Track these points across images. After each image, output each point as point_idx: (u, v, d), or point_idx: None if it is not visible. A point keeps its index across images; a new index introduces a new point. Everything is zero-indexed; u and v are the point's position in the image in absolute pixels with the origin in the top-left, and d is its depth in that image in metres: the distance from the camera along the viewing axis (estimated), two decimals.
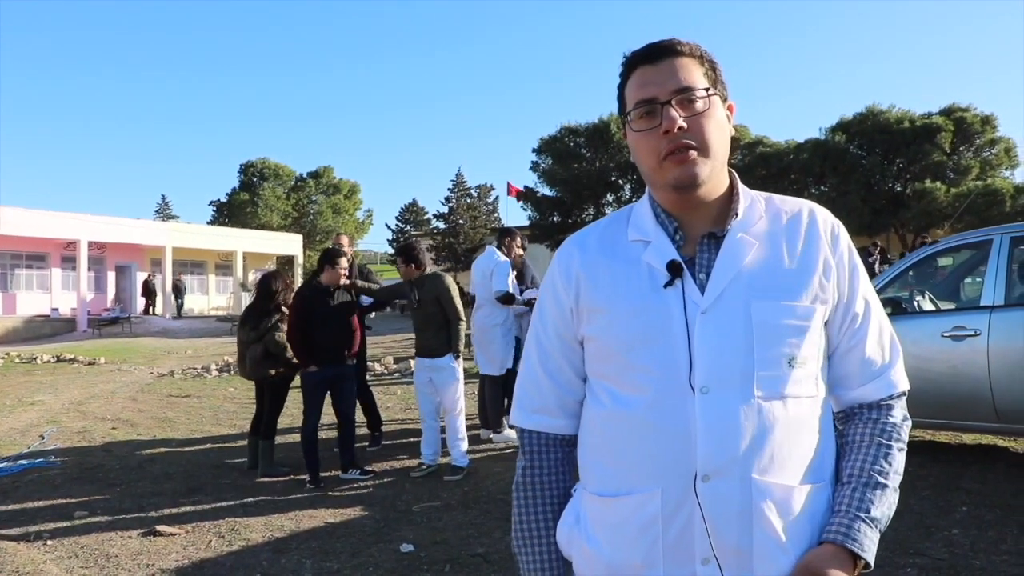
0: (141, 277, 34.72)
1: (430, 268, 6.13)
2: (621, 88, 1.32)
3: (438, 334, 5.86)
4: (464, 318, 5.98)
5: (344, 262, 6.04)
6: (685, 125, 1.22)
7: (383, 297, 6.97)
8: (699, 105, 1.23)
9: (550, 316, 1.38)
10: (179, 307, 32.41)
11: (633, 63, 1.29)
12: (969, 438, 6.14)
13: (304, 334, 5.84)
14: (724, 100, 1.30)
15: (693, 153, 1.22)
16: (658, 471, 1.21)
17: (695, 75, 1.25)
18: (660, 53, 1.26)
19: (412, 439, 7.04)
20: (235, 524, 4.92)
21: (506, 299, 6.81)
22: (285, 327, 6.33)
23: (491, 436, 6.96)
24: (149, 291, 31.89)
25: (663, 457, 1.21)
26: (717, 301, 1.22)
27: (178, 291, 32.64)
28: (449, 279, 6.01)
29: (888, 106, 29.75)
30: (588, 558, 1.31)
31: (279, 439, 7.06)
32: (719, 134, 1.25)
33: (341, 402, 6.00)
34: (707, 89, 1.25)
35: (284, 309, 6.44)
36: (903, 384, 1.32)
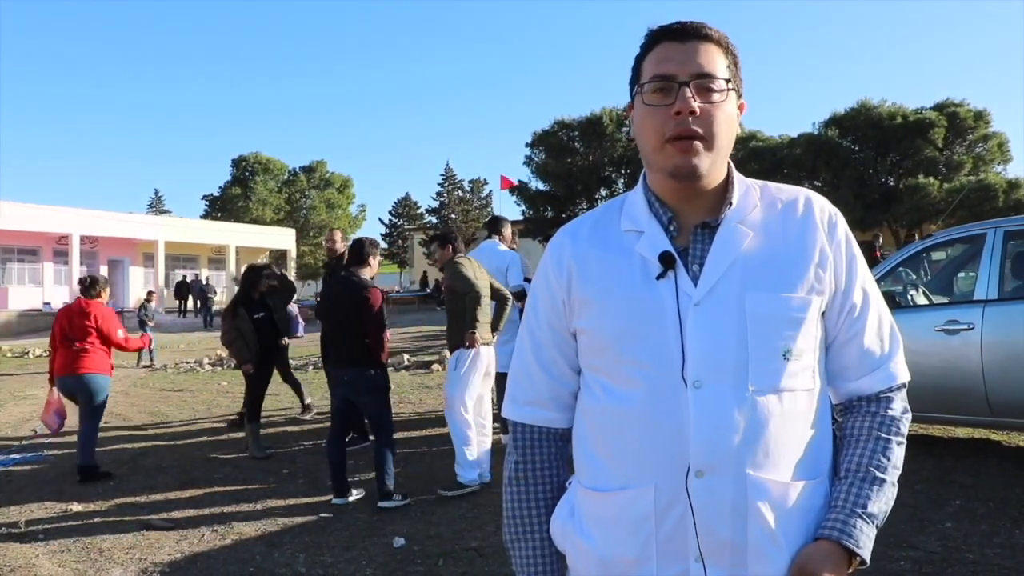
0: (134, 271, 34.59)
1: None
2: (639, 59, 1.27)
3: (455, 328, 5.23)
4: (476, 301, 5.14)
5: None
6: (698, 111, 1.18)
7: None
8: (716, 95, 1.20)
9: (543, 307, 1.35)
10: (208, 310, 26.76)
11: (658, 37, 1.25)
12: (962, 432, 6.16)
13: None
14: (738, 96, 1.26)
15: (698, 144, 1.19)
16: (651, 467, 1.19)
17: (718, 63, 1.22)
18: (688, 33, 1.22)
19: (403, 433, 7.01)
20: (228, 518, 4.90)
21: (524, 295, 6.70)
22: (232, 323, 6.77)
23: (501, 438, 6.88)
24: (185, 291, 29.62)
25: (656, 452, 1.18)
26: (710, 293, 1.19)
27: (205, 294, 27.55)
28: (463, 264, 5.27)
29: (881, 101, 29.79)
30: (582, 553, 1.29)
31: (273, 430, 7.06)
32: (727, 128, 1.22)
33: (361, 414, 5.59)
34: (727, 80, 1.21)
35: (241, 306, 6.87)
36: (903, 375, 1.29)
